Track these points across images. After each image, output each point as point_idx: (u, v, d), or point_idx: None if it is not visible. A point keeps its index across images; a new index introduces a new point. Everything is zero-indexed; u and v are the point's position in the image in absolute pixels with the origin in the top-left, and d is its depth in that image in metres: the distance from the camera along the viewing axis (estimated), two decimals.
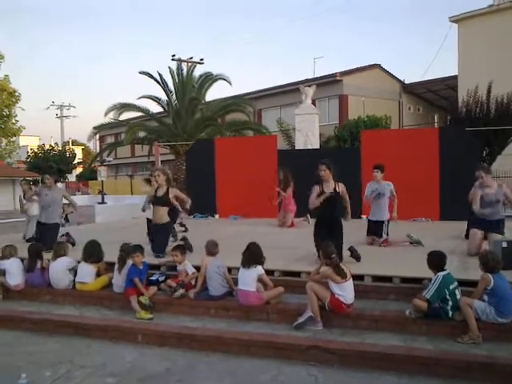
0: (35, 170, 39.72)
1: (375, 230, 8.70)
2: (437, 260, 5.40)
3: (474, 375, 4.41)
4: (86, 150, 73.29)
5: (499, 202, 7.48)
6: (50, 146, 45.86)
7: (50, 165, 40.87)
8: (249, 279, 5.90)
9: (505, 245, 6.41)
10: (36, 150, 44.52)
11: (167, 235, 8.20)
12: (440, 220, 12.17)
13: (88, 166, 47.96)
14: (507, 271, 5.55)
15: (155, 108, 25.20)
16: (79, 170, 57.94)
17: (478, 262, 5.35)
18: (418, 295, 5.36)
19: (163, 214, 8.18)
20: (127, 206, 21.55)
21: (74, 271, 6.99)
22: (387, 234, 8.62)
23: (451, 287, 5.22)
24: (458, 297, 5.21)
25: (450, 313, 5.18)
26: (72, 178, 53.92)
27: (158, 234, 8.04)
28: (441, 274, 5.29)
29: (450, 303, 5.18)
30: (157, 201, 8.22)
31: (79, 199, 33.64)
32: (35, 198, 9.65)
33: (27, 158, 45.11)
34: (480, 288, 5.17)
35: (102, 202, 27.88)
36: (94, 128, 24.48)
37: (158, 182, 8.29)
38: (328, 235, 6.67)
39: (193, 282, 6.50)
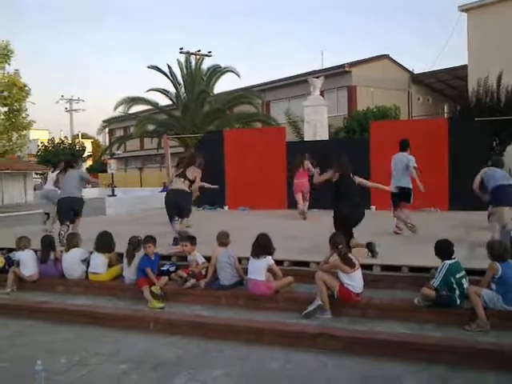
0: (46, 164, 40.05)
1: (403, 197, 8.87)
2: (443, 248, 5.45)
3: (482, 362, 4.46)
4: (95, 143, 73.65)
5: None
6: (60, 139, 46.17)
7: (60, 158, 41.11)
8: (259, 269, 5.99)
9: None
10: (46, 144, 44.86)
11: (190, 200, 8.66)
12: (449, 210, 12.18)
13: (97, 159, 48.28)
14: None
15: (164, 101, 25.34)
16: (89, 163, 58.29)
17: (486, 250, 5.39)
18: (427, 284, 5.42)
19: (184, 186, 8.39)
20: (137, 198, 21.75)
21: (86, 262, 7.12)
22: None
23: (458, 276, 5.27)
24: (466, 286, 5.26)
25: (458, 301, 5.23)
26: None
27: (182, 199, 8.25)
28: (447, 262, 5.34)
29: (457, 292, 5.22)
30: (181, 174, 8.49)
31: (90, 192, 33.94)
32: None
33: (38, 152, 45.48)
34: (488, 276, 5.21)
35: (113, 195, 28.10)
36: (104, 121, 24.64)
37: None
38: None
39: (203, 272, 6.61)
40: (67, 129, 62.21)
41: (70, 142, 46.46)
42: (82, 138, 60.82)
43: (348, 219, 6.96)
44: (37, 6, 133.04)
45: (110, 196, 25.28)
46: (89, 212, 15.70)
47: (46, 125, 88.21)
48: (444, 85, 33.86)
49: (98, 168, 52.37)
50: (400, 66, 33.42)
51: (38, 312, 6.38)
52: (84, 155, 46.76)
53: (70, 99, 63.12)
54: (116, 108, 22.22)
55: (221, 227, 7.34)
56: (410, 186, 8.98)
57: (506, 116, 17.04)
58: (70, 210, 8.95)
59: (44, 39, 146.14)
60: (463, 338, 4.85)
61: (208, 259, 6.66)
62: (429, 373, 4.39)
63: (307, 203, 11.78)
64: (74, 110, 63.61)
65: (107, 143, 50.79)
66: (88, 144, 62.90)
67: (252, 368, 4.70)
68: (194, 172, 8.47)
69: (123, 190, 31.63)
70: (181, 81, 22.59)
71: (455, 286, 5.23)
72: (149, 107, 24.86)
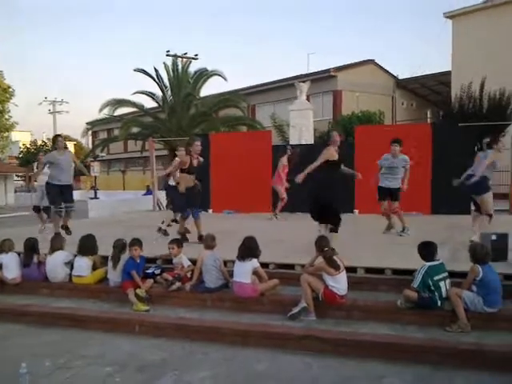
0: (27, 166, 39.65)
1: (390, 194, 9.17)
2: (423, 250, 5.54)
3: (463, 362, 4.54)
4: (78, 146, 72.97)
5: None
6: (43, 141, 45.75)
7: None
8: (244, 272, 6.01)
9: (494, 237, 6.56)
10: (28, 146, 44.43)
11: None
12: (431, 214, 12.34)
13: (81, 162, 47.91)
14: (496, 263, 5.72)
15: (149, 104, 25.25)
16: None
17: (468, 253, 5.49)
18: (409, 286, 5.49)
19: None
20: (120, 201, 21.64)
21: (70, 265, 7.07)
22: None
23: (436, 278, 5.32)
24: (444, 288, 5.33)
25: (439, 302, 5.31)
26: None
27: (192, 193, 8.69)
28: (427, 264, 5.42)
29: (437, 293, 5.31)
30: (191, 170, 8.79)
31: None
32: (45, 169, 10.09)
33: (19, 154, 44.99)
34: (469, 279, 5.31)
35: (95, 197, 27.89)
36: (88, 124, 24.50)
37: (197, 153, 8.84)
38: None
39: (188, 275, 6.61)
40: (50, 131, 61.59)
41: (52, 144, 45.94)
42: (65, 140, 60.11)
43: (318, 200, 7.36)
44: (20, 7, 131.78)
45: (92, 199, 25.09)
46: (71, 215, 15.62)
47: (28, 127, 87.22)
48: (428, 90, 34.29)
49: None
50: (385, 71, 33.77)
51: (21, 315, 6.31)
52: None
53: (54, 101, 62.50)
54: (101, 110, 22.13)
55: (206, 230, 7.37)
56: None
57: (488, 122, 17.29)
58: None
59: (28, 40, 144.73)
60: (445, 338, 4.93)
61: (193, 261, 6.67)
62: (412, 373, 4.46)
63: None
64: (58, 112, 62.99)
65: (90, 145, 50.46)
66: (71, 146, 62.32)
67: (238, 369, 4.71)
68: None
69: (106, 193, 31.40)
70: (167, 84, 22.57)
71: (433, 287, 5.30)
72: (134, 109, 24.78)
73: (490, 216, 8.05)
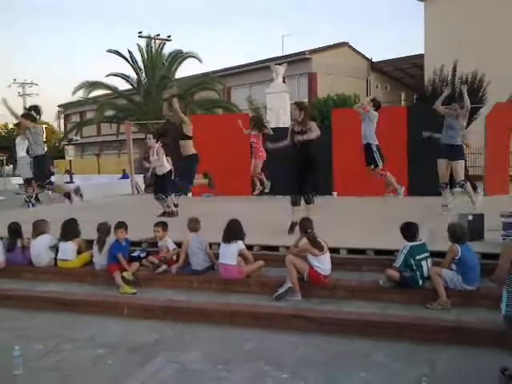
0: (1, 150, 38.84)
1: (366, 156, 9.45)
2: (405, 230, 5.73)
3: (443, 338, 4.76)
4: (49, 129, 71.48)
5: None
6: (14, 125, 44.69)
7: (15, 144, 39.89)
8: (230, 254, 6.12)
9: (470, 218, 6.79)
10: None
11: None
12: (408, 196, 12.59)
13: (54, 146, 47.10)
14: (473, 242, 5.95)
15: (123, 86, 24.90)
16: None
17: (447, 233, 5.69)
18: (391, 266, 5.68)
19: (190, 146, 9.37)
20: (96, 185, 21.45)
21: (55, 249, 7.07)
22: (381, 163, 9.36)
23: (418, 257, 5.52)
24: (425, 267, 5.53)
25: (420, 281, 5.52)
26: None
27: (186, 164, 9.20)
28: (409, 244, 5.61)
29: (418, 273, 5.51)
30: (182, 136, 9.43)
31: None
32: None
33: None
34: (448, 258, 5.51)
35: (70, 182, 27.53)
36: (60, 106, 24.07)
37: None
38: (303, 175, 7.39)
39: (174, 258, 6.68)
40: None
41: None
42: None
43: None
44: None
45: (67, 183, 24.78)
46: (47, 199, 15.45)
47: None
48: (402, 73, 34.65)
49: (54, 154, 51.06)
50: (359, 53, 33.95)
51: (6, 299, 6.34)
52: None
53: (23, 83, 61.06)
54: (74, 93, 21.74)
55: (189, 214, 7.42)
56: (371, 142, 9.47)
57: None
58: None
59: None
60: (427, 316, 5.13)
61: (178, 244, 6.74)
62: (397, 349, 4.64)
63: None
64: (27, 95, 61.60)
65: (62, 129, 49.59)
66: (42, 129, 61.10)
67: (227, 349, 4.84)
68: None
69: (81, 177, 31.01)
70: (141, 66, 22.29)
71: (415, 267, 5.50)
72: (107, 92, 24.42)
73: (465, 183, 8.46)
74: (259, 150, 12.43)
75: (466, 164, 8.79)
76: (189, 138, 9.69)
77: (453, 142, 8.66)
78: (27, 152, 9.67)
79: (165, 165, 9.92)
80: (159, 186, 10.00)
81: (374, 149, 9.35)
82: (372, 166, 9.42)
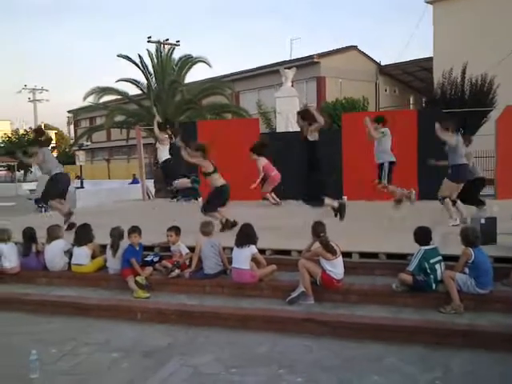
0: (9, 156, 39.13)
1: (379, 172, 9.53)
2: (421, 235, 5.73)
3: (457, 341, 4.76)
4: (59, 134, 72.18)
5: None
6: (25, 130, 45.09)
7: (25, 150, 40.22)
8: (242, 258, 6.15)
9: (483, 221, 6.78)
10: (10, 135, 43.76)
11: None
12: (418, 200, 12.56)
13: (64, 151, 47.47)
14: (485, 246, 5.94)
15: (133, 91, 25.06)
16: (54, 154, 57.07)
17: (459, 237, 5.69)
18: (404, 270, 5.69)
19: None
20: (107, 190, 21.56)
21: (69, 253, 7.14)
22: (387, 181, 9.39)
23: (432, 261, 5.54)
24: (439, 271, 5.55)
25: (434, 285, 5.52)
26: None
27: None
28: (423, 248, 5.63)
29: (432, 276, 5.52)
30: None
31: None
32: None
33: (0, 143, 44.28)
34: (461, 261, 5.51)
35: (81, 187, 27.70)
36: (70, 112, 24.23)
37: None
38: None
39: (187, 263, 6.73)
40: (30, 120, 60.82)
41: None
42: (46, 129, 59.37)
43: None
44: None
45: (78, 188, 24.91)
46: None
47: (6, 115, 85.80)
48: (410, 76, 34.54)
49: (64, 160, 51.37)
50: (368, 57, 33.89)
51: (21, 304, 6.40)
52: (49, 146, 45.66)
53: (34, 89, 61.59)
54: (85, 98, 21.89)
55: (200, 218, 7.48)
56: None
57: (470, 108, 17.58)
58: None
59: (8, 27, 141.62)
60: (440, 319, 5.13)
61: (191, 249, 6.79)
62: (410, 353, 4.65)
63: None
64: (38, 100, 62.11)
65: (72, 134, 49.87)
66: (52, 135, 61.56)
67: (241, 353, 4.87)
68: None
69: (92, 182, 31.20)
70: (151, 71, 22.42)
71: (429, 271, 5.51)
72: (117, 97, 24.57)
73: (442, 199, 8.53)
74: (271, 172, 12.48)
75: (468, 187, 8.63)
76: (209, 174, 9.13)
77: (451, 164, 8.64)
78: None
79: None
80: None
81: (386, 167, 9.43)
82: (376, 180, 9.46)
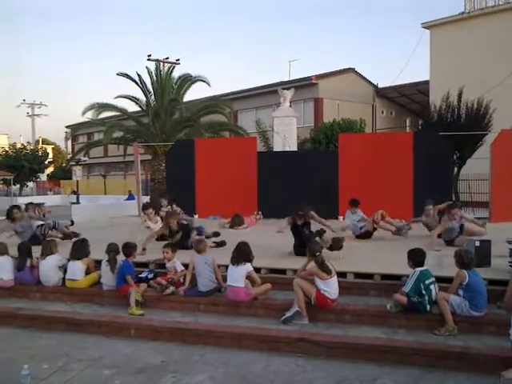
0: (7, 169, 39.08)
1: None
2: (416, 256, 5.76)
3: (451, 364, 4.75)
4: (56, 149, 72.28)
5: None
6: (22, 144, 45.08)
7: (22, 164, 40.28)
8: (238, 276, 6.15)
9: (477, 244, 6.81)
10: (7, 149, 43.71)
11: None
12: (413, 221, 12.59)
13: (60, 166, 47.40)
14: (480, 268, 5.96)
15: (132, 108, 25.16)
16: (50, 169, 57.05)
17: (454, 259, 5.71)
18: (399, 291, 5.70)
19: None
20: (103, 205, 21.53)
21: (63, 269, 7.12)
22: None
23: (427, 282, 5.57)
24: (434, 292, 5.56)
25: (428, 307, 5.53)
26: (43, 177, 53.13)
27: None
28: (418, 269, 5.65)
29: (427, 297, 5.53)
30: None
31: (52, 199, 33.25)
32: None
33: None
34: (456, 283, 5.52)
35: (77, 202, 27.67)
36: (69, 127, 24.27)
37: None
38: None
39: (181, 280, 6.72)
40: (27, 134, 60.87)
41: (32, 147, 45.32)
42: (43, 144, 59.53)
43: None
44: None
45: (73, 203, 24.86)
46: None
47: (3, 129, 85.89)
48: (407, 99, 34.87)
49: (60, 175, 51.33)
50: (365, 79, 34.23)
51: (14, 318, 6.37)
52: (46, 161, 45.72)
53: (32, 104, 61.87)
54: (84, 113, 21.91)
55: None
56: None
57: (466, 131, 17.70)
58: None
59: (6, 41, 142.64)
60: (434, 341, 5.13)
61: (186, 266, 6.78)
62: (404, 375, 4.65)
63: None
64: (36, 115, 62.35)
65: (69, 149, 49.86)
66: (49, 150, 61.59)
67: (235, 371, 4.85)
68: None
69: (88, 198, 31.17)
70: (150, 88, 22.55)
71: (424, 291, 5.52)
72: (115, 113, 24.66)
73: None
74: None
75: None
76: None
77: None
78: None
79: None
80: None
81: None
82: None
